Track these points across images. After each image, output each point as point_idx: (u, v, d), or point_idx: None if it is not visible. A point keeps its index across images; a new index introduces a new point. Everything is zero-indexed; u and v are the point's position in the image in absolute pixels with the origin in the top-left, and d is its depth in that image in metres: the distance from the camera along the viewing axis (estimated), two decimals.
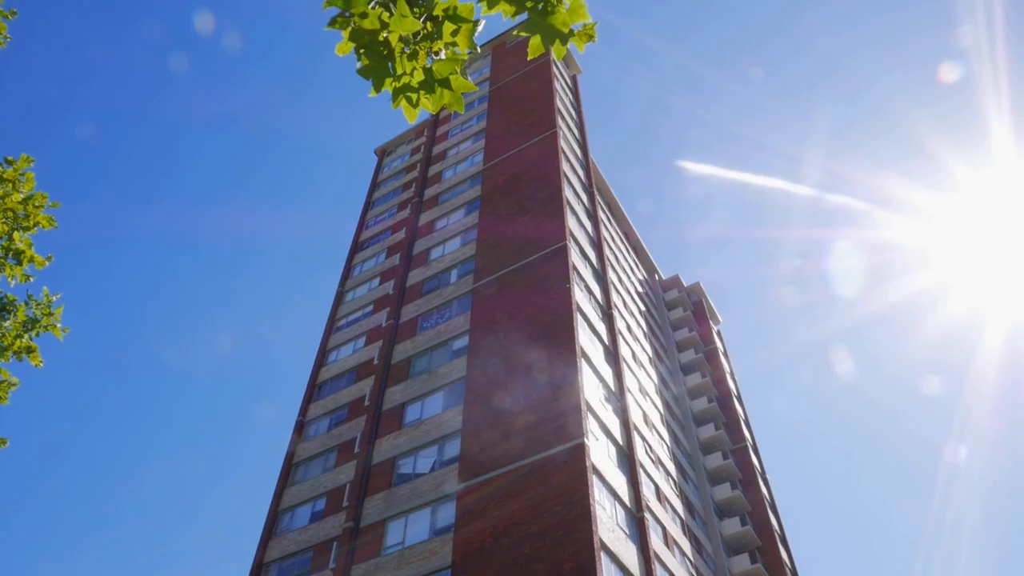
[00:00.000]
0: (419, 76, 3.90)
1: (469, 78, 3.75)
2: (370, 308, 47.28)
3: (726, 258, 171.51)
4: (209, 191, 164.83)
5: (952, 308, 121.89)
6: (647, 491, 36.82)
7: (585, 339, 36.59)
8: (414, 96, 3.71)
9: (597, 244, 48.14)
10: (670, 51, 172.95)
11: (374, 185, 62.07)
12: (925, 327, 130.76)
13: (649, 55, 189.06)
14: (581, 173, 53.91)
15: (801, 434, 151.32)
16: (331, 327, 48.49)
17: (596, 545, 26.33)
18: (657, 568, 33.32)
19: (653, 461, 41.14)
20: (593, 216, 50.80)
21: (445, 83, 3.91)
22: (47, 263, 9.94)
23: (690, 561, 39.82)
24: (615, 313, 44.05)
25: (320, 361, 45.98)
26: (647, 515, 34.12)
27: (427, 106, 3.82)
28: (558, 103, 55.86)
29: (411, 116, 3.79)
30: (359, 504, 33.80)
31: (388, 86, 3.94)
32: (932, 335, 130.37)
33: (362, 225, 57.39)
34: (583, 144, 58.62)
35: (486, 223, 46.13)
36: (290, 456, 40.29)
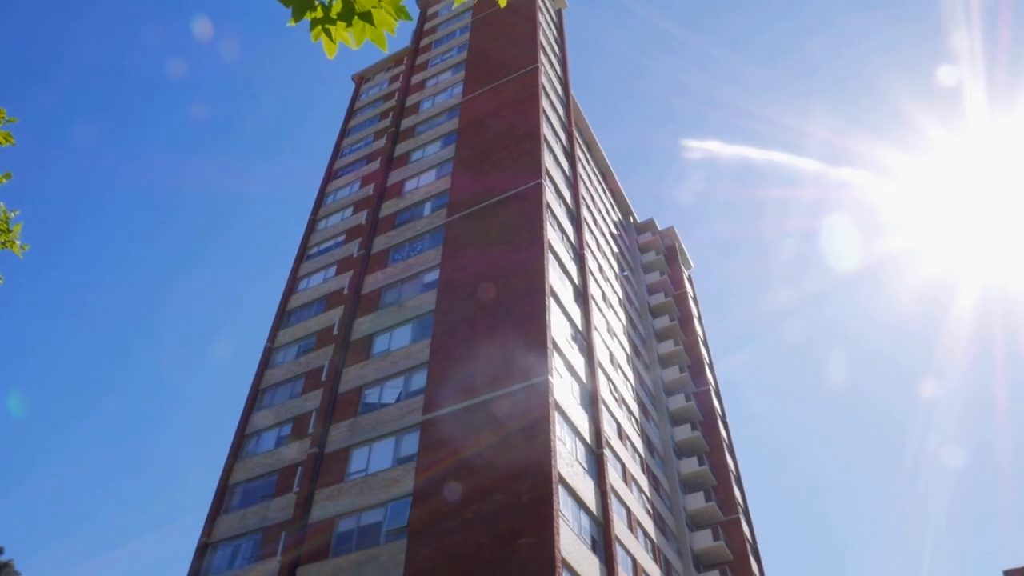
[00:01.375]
0: (338, 7, 3.65)
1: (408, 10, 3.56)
2: (342, 237, 47.00)
3: (701, 217, 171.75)
4: (187, 123, 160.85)
5: (924, 271, 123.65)
6: (608, 429, 37.67)
7: (555, 278, 36.82)
8: (333, 29, 3.55)
9: (573, 184, 47.98)
10: (649, 14, 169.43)
11: (350, 113, 60.93)
12: (896, 290, 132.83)
13: (629, 18, 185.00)
14: (561, 111, 53.32)
15: (765, 388, 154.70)
16: (302, 255, 48.22)
17: (554, 479, 27.04)
18: (613, 502, 34.35)
19: (616, 400, 41.98)
20: (571, 155, 50.48)
21: (366, 16, 3.65)
22: (5, 180, 9.75)
23: (647, 497, 41.07)
24: (587, 254, 44.24)
25: (290, 289, 45.87)
26: (606, 452, 34.97)
27: (347, 41, 3.65)
28: (541, 38, 54.83)
29: (330, 51, 3.63)
30: (324, 431, 34.26)
31: (308, 16, 3.69)
32: (903, 298, 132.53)
33: (337, 153, 56.53)
34: (564, 81, 57.83)
35: (462, 157, 45.67)
36: (257, 381, 40.52)
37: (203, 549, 33.69)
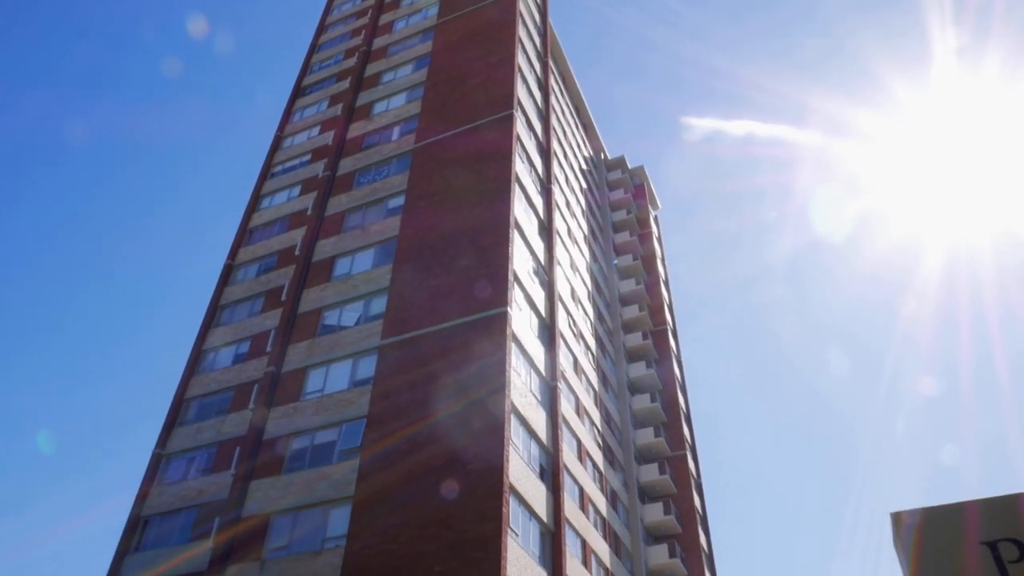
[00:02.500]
0: None
1: None
2: (307, 157, 46.19)
3: (671, 167, 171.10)
4: (143, 15, 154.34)
5: (891, 233, 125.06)
6: (565, 362, 38.32)
7: (520, 211, 36.77)
8: None
9: (545, 116, 47.47)
10: None
11: (321, 27, 59.06)
12: (862, 254, 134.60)
13: None
14: (537, 40, 52.31)
15: (726, 344, 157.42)
16: (266, 173, 47.36)
17: (507, 408, 27.61)
18: (565, 434, 35.22)
19: (575, 335, 42.59)
20: (544, 87, 49.79)
21: None
22: None
23: (598, 430, 42.15)
24: (554, 188, 44.13)
25: (252, 206, 45.19)
26: (560, 384, 35.69)
27: None
28: None
29: None
30: (282, 350, 34.36)
31: None
32: (869, 262, 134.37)
33: (306, 69, 55.00)
34: (543, 9, 56.58)
35: (434, 81, 44.79)
36: (216, 298, 40.27)
37: (157, 460, 33.99)
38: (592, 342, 46.44)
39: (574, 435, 37.05)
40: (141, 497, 32.78)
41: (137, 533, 31.77)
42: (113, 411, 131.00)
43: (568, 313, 41.85)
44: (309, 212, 41.13)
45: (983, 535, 3.96)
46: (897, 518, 4.13)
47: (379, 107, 46.02)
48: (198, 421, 34.80)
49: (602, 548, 36.99)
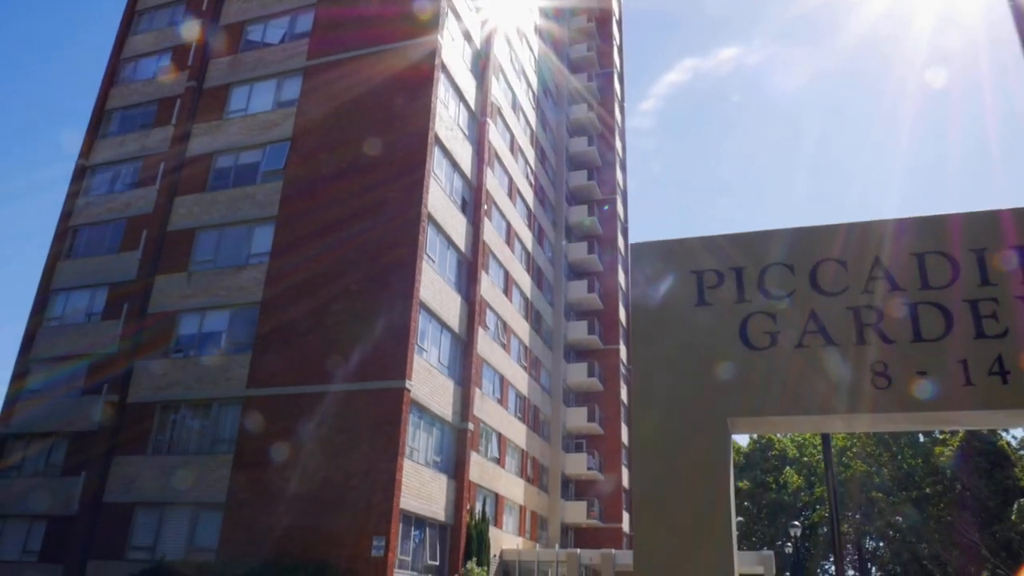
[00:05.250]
0: None
1: None
2: None
3: None
4: None
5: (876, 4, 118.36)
6: (503, 99, 37.75)
7: None
8: None
9: None
10: None
11: None
12: (848, 25, 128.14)
13: None
14: None
15: (681, 102, 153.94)
16: None
17: (431, 140, 27.64)
18: (497, 170, 35.71)
19: (516, 71, 41.53)
20: None
21: None
22: None
23: (531, 168, 42.72)
24: None
25: None
26: (495, 121, 35.53)
27: None
28: None
29: None
30: (203, 65, 32.97)
31: None
32: (854, 33, 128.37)
33: None
34: None
35: None
36: (133, 1, 37.58)
37: (82, 171, 33.69)
38: (534, 80, 45.45)
39: (506, 172, 37.56)
40: (68, 206, 32.91)
41: (67, 241, 32.32)
42: (32, 118, 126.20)
43: (511, 48, 40.46)
44: None
45: (694, 265, 4.43)
46: (634, 248, 4.58)
47: None
48: (121, 134, 34.08)
49: (524, 280, 39.21)
